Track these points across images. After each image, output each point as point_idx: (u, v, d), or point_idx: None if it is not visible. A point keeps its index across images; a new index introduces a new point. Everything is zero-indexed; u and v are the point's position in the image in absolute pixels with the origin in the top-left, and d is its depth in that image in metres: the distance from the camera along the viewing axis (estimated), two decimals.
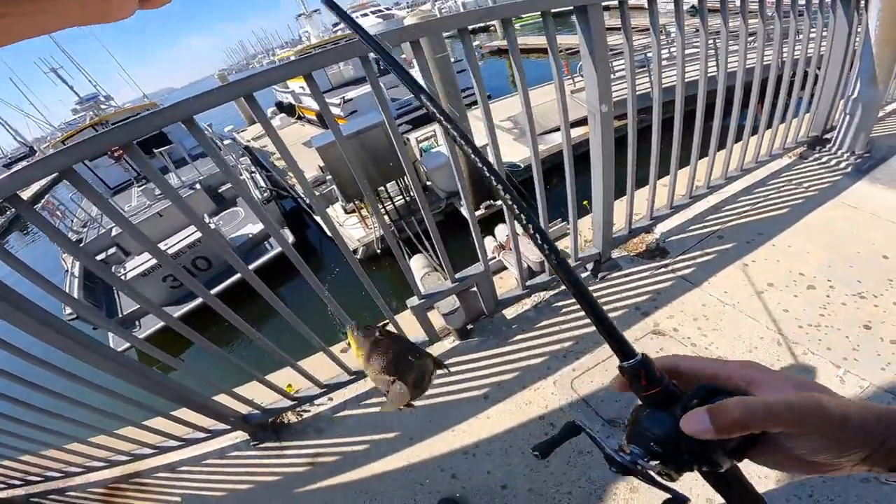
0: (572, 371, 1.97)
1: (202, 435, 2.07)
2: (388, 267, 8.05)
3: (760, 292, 2.09)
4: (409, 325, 2.21)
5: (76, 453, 2.03)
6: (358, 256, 8.10)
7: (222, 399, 1.96)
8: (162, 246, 8.41)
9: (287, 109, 21.54)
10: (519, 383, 2.00)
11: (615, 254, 2.48)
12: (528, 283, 2.30)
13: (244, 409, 2.03)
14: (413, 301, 2.04)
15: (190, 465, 2.13)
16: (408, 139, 9.35)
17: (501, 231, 3.09)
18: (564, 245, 2.62)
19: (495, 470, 1.71)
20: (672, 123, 2.17)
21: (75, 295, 8.14)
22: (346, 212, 9.06)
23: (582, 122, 6.60)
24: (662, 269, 2.34)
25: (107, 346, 1.50)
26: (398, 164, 1.80)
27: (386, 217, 8.37)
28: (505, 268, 2.66)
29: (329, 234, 1.69)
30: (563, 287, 2.40)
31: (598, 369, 1.93)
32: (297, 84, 18.55)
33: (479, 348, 2.22)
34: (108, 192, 13.90)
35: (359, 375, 2.13)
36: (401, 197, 8.74)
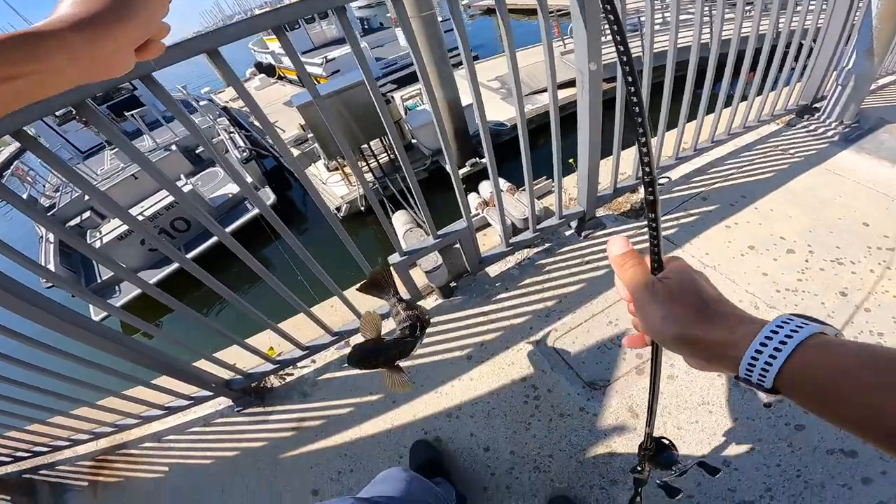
0: (554, 331, 1.98)
1: (185, 403, 2.04)
2: (373, 224, 7.97)
3: (741, 255, 2.10)
4: None
5: (60, 426, 2.00)
6: (341, 214, 8.01)
7: (203, 365, 1.93)
8: (138, 208, 8.20)
9: (267, 70, 20.93)
10: (502, 343, 2.01)
11: (600, 212, 2.46)
12: (512, 240, 2.26)
13: (226, 374, 2.01)
14: (395, 258, 1.99)
15: (175, 434, 2.12)
16: (392, 97, 9.12)
17: (485, 187, 3.04)
18: (549, 203, 2.59)
19: (478, 432, 1.74)
20: (662, 87, 2.12)
21: (51, 262, 7.95)
22: (329, 170, 8.91)
23: (571, 83, 6.50)
24: (646, 229, 2.33)
25: (80, 314, 1.44)
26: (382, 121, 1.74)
27: (370, 174, 8.31)
28: (489, 224, 2.64)
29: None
30: (546, 245, 2.39)
31: (580, 330, 1.95)
32: (275, 44, 17.82)
33: (463, 307, 2.21)
34: (79, 157, 13.44)
35: (341, 336, 2.11)
36: (385, 154, 8.61)
